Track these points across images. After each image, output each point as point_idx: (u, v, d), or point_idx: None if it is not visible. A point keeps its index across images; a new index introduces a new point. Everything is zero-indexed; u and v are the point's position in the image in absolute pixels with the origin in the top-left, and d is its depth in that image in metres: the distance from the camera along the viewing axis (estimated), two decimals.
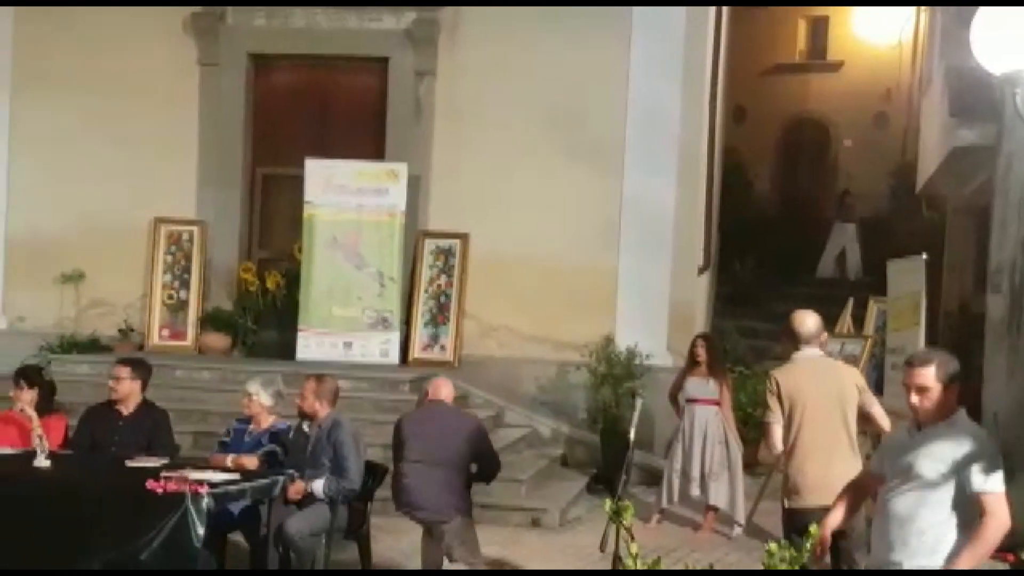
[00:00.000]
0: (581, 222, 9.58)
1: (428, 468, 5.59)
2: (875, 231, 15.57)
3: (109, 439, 6.02)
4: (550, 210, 9.59)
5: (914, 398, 3.64)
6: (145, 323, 9.96)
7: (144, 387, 6.19)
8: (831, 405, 4.82)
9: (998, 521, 3.49)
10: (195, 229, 10.08)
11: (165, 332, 9.96)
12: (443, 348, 9.66)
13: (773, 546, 3.31)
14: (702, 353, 7.62)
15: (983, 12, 4.69)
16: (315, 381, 5.87)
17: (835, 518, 3.98)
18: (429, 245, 9.84)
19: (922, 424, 3.68)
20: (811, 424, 4.80)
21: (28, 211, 10.24)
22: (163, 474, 5.07)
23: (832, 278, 15.35)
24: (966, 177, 10.87)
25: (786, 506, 4.91)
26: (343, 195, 9.59)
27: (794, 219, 17.19)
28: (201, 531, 4.79)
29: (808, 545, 3.40)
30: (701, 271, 10.48)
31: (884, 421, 4.93)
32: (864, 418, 4.91)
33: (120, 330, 9.92)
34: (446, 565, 5.72)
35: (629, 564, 3.28)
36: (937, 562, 3.53)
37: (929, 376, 3.61)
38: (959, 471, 3.53)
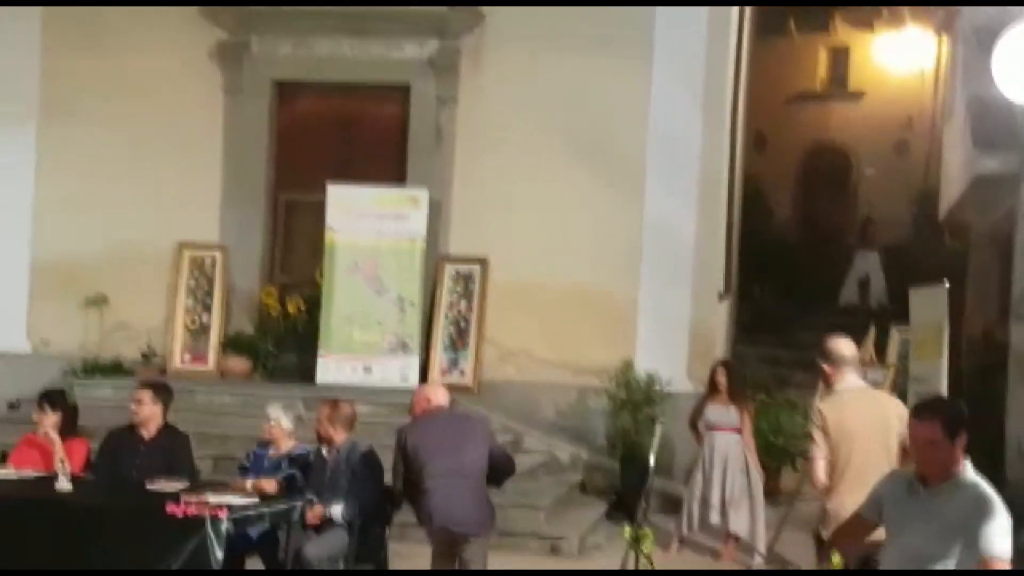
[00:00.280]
0: (601, 247, 9.59)
1: (459, 480, 5.43)
2: (897, 259, 15.48)
3: (130, 462, 6.05)
4: (570, 235, 9.60)
5: (919, 454, 3.47)
6: (167, 347, 10.02)
7: (166, 411, 6.23)
8: (877, 438, 4.66)
9: None
10: (218, 254, 10.16)
11: (187, 356, 10.02)
12: (462, 373, 9.67)
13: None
14: (723, 380, 7.59)
15: (1005, 42, 4.70)
16: (329, 407, 5.88)
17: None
18: (449, 270, 9.88)
19: (926, 479, 3.49)
20: (857, 458, 4.63)
21: (54, 236, 10.35)
22: (183, 498, 5.10)
23: (854, 305, 15.26)
24: (989, 205, 10.81)
25: (824, 538, 4.80)
26: (364, 221, 9.65)
27: (815, 246, 17.13)
28: (220, 555, 4.81)
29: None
30: (722, 297, 10.45)
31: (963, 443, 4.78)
32: (905, 451, 4.79)
33: (143, 354, 9.98)
34: None
35: None
36: None
37: (937, 430, 3.43)
38: (967, 534, 3.38)
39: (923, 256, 14.62)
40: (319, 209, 9.72)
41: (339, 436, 5.82)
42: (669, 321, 9.45)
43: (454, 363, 9.71)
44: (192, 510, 4.89)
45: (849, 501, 4.60)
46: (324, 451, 5.89)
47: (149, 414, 6.12)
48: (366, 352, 9.53)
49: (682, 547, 7.66)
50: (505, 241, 9.69)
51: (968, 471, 3.50)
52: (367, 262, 9.68)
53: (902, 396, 8.70)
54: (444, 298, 9.81)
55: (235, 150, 10.22)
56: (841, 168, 19.07)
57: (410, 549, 6.30)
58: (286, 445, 6.03)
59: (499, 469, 5.65)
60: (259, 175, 10.26)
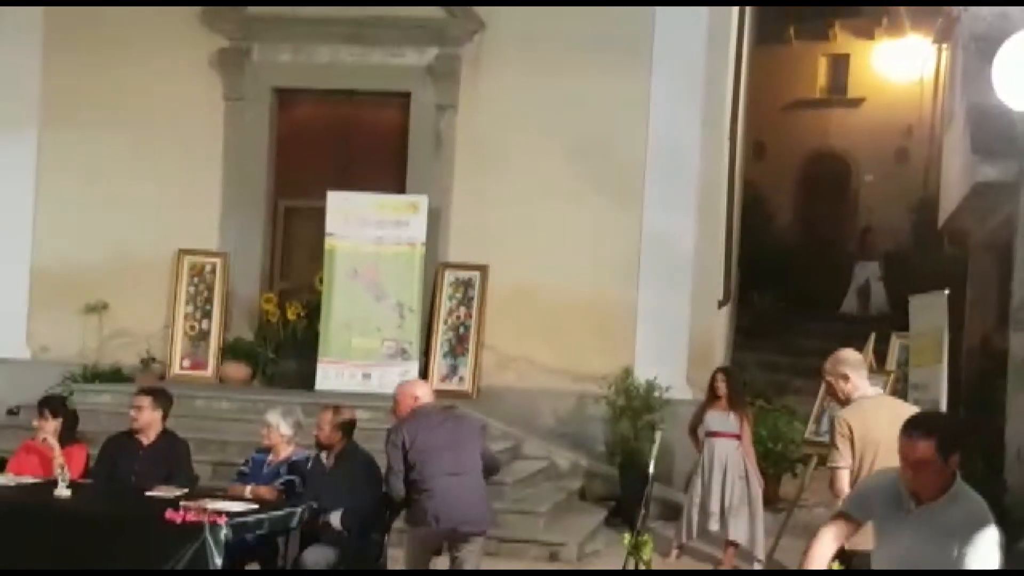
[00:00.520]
0: (601, 254, 9.59)
1: (464, 479, 5.41)
2: (897, 266, 15.52)
3: (129, 469, 6.04)
4: (569, 242, 9.62)
5: (910, 472, 3.36)
6: (167, 353, 10.02)
7: (165, 417, 6.22)
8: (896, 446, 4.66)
9: None
10: (218, 260, 10.17)
11: (186, 362, 10.02)
12: (462, 379, 9.67)
13: None
14: (722, 387, 7.58)
15: (1005, 50, 4.72)
16: (332, 412, 5.88)
17: (821, 557, 3.69)
18: (449, 276, 9.89)
19: (918, 497, 3.40)
20: (880, 466, 4.45)
21: (54, 242, 10.36)
22: (181, 504, 5.09)
23: (853, 314, 15.28)
24: (988, 213, 10.83)
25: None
26: (364, 227, 9.66)
27: (814, 253, 17.16)
28: (219, 561, 4.80)
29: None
30: (721, 304, 10.46)
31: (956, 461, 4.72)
32: None
33: (142, 360, 9.99)
34: None
35: None
36: None
37: (929, 451, 3.31)
38: (959, 550, 3.31)
39: (922, 263, 14.64)
40: (319, 216, 9.73)
41: (340, 442, 5.81)
42: (668, 328, 9.45)
43: (453, 369, 9.72)
44: (191, 516, 4.89)
45: None
46: (323, 457, 5.88)
47: (148, 420, 6.12)
48: (365, 358, 9.53)
49: (681, 554, 7.66)
50: (504, 247, 9.70)
51: (961, 487, 3.41)
52: (367, 268, 9.69)
53: None
54: (443, 304, 9.82)
55: (235, 157, 10.23)
56: (841, 175, 19.10)
57: None
58: (285, 451, 6.02)
59: (487, 468, 5.64)
60: (259, 182, 10.27)
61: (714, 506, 7.47)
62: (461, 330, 9.79)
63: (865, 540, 4.02)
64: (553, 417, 9.61)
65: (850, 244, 17.53)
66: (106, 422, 7.66)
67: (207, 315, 10.09)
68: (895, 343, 9.45)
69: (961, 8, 12.08)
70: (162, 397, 6.27)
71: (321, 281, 9.75)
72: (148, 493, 5.53)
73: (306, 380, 9.55)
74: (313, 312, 9.79)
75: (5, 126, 10.31)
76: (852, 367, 4.73)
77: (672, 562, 7.43)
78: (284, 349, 9.97)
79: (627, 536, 5.63)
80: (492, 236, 9.74)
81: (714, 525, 7.52)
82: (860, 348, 9.67)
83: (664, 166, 9.53)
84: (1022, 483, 8.18)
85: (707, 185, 9.71)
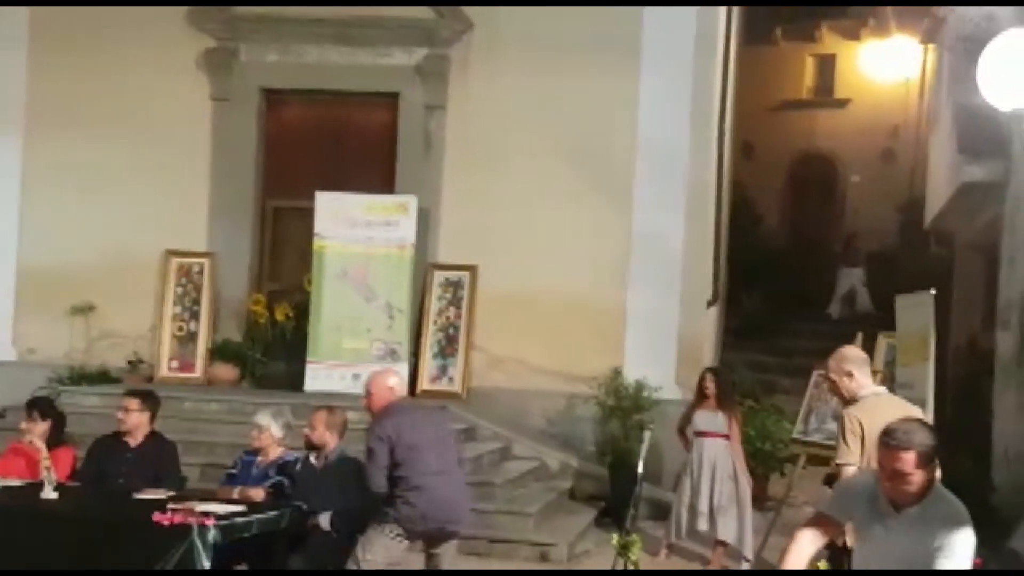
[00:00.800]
0: (590, 255, 9.60)
1: (448, 477, 5.37)
2: (883, 266, 15.58)
3: (116, 470, 6.02)
4: (559, 243, 9.62)
5: (888, 482, 3.39)
6: (155, 355, 9.98)
7: (153, 419, 6.21)
8: None
9: None
10: (205, 261, 10.13)
11: (174, 364, 9.98)
12: (451, 380, 9.66)
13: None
14: (711, 386, 7.60)
15: (991, 50, 4.74)
16: (326, 412, 5.86)
17: (800, 557, 3.68)
18: (438, 277, 9.88)
19: (896, 503, 3.42)
20: None
21: (40, 243, 10.31)
22: (170, 506, 5.07)
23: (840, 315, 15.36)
24: (974, 213, 10.89)
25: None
26: (353, 228, 9.64)
27: (802, 254, 17.23)
28: (207, 563, 4.78)
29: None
30: (710, 305, 10.48)
31: (936, 471, 4.70)
32: None
33: (129, 362, 9.94)
34: None
35: None
36: None
37: (909, 463, 3.35)
38: (934, 552, 3.35)
39: (909, 263, 14.72)
40: (307, 216, 9.71)
41: (332, 442, 5.80)
42: (658, 328, 9.47)
43: (443, 370, 9.71)
44: (179, 518, 4.87)
45: None
46: (313, 459, 5.87)
47: (136, 422, 6.10)
48: (355, 359, 9.50)
49: (670, 554, 7.67)
50: (494, 248, 9.70)
51: (939, 490, 3.44)
52: (356, 269, 9.67)
53: None
54: (433, 305, 9.81)
55: (223, 157, 10.20)
56: (828, 176, 19.17)
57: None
58: (274, 452, 6.01)
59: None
60: (247, 182, 10.24)
61: (703, 506, 7.48)
62: (451, 331, 9.78)
63: None
64: (543, 418, 9.62)
65: (836, 244, 17.60)
66: (93, 424, 7.62)
67: (195, 316, 10.06)
68: (882, 342, 9.49)
69: (947, 9, 12.13)
70: (150, 399, 6.25)
71: (310, 282, 9.72)
72: (136, 495, 5.51)
73: (295, 381, 9.53)
74: (302, 313, 9.76)
75: None
76: (856, 364, 4.71)
77: (661, 561, 7.44)
78: (273, 350, 9.94)
79: (615, 536, 5.64)
80: (482, 237, 9.74)
81: (703, 524, 7.53)
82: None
83: (653, 166, 9.54)
84: (1009, 482, 8.22)
85: (696, 186, 9.74)
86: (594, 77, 9.58)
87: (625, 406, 9.04)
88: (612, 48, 9.60)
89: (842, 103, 18.86)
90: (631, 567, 5.46)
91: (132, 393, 6.34)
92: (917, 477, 3.35)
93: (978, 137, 9.47)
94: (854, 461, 4.48)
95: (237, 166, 10.21)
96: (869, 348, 9.74)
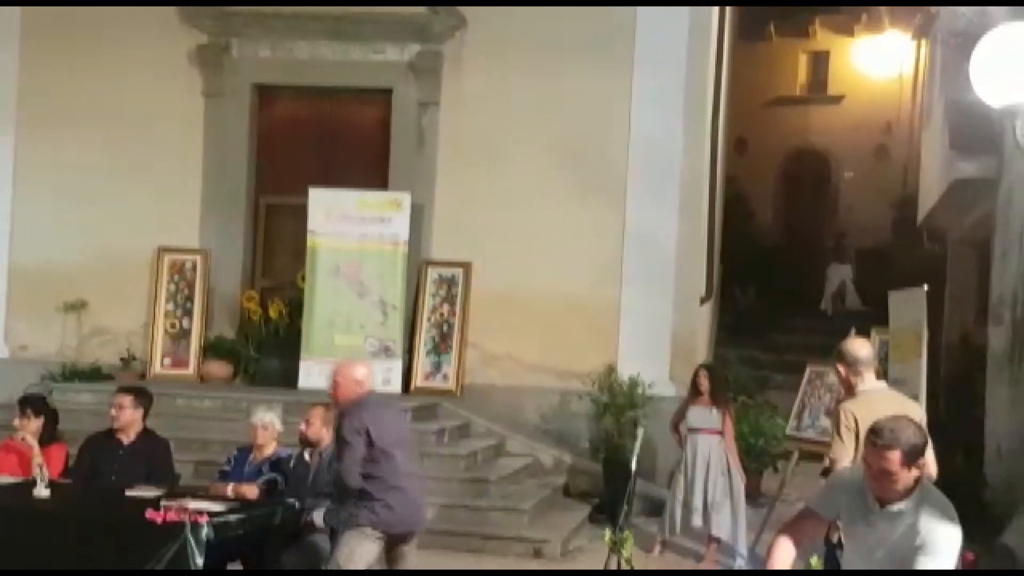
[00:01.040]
0: (584, 251, 9.60)
1: (418, 476, 5.30)
2: (876, 263, 15.62)
3: (109, 468, 6.01)
4: (553, 239, 9.61)
5: (874, 481, 3.39)
6: (147, 352, 9.96)
7: (145, 416, 6.18)
8: None
9: None
10: (198, 258, 10.11)
11: (167, 361, 9.96)
12: (445, 377, 9.66)
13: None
14: (705, 383, 7.61)
15: (983, 46, 4.74)
16: (323, 408, 5.83)
17: (784, 559, 3.64)
18: (432, 274, 9.87)
19: (881, 500, 3.42)
20: None
21: (32, 240, 10.27)
22: (162, 503, 5.06)
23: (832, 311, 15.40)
24: (967, 209, 10.91)
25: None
26: (346, 224, 9.63)
27: (795, 250, 17.27)
28: (200, 561, 4.77)
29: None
30: (703, 301, 10.50)
31: (932, 467, 4.54)
32: None
33: (122, 359, 9.92)
34: None
35: None
36: None
37: (895, 461, 3.34)
38: (918, 549, 3.35)
39: (902, 259, 14.76)
40: (301, 213, 9.68)
41: (328, 438, 5.78)
42: (651, 324, 9.47)
43: (437, 367, 9.70)
44: (172, 516, 4.86)
45: None
46: (307, 455, 5.86)
47: (129, 419, 6.08)
48: (348, 356, 9.42)
49: (664, 550, 7.67)
50: (488, 245, 9.69)
51: (926, 488, 3.44)
52: (349, 266, 9.65)
53: None
54: (427, 302, 9.80)
55: (215, 154, 10.17)
56: (821, 172, 19.21)
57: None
58: (268, 449, 5.99)
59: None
60: (240, 179, 10.21)
61: (697, 502, 7.49)
62: (445, 327, 9.77)
63: None
64: (537, 414, 9.62)
65: (829, 240, 17.64)
66: (86, 421, 7.60)
67: (188, 313, 10.03)
68: (875, 338, 9.50)
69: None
70: (143, 396, 6.23)
71: (303, 279, 9.70)
72: (128, 493, 5.49)
73: (289, 378, 9.51)
74: (295, 310, 9.75)
75: None
76: (859, 358, 4.70)
77: (655, 558, 7.45)
78: (266, 347, 9.92)
79: (608, 533, 5.64)
80: (475, 233, 9.73)
81: (697, 521, 7.54)
82: (839, 343, 9.78)
83: (647, 163, 9.54)
84: (1002, 478, 8.24)
85: (689, 182, 9.74)
86: (587, 74, 9.58)
87: (619, 403, 9.04)
88: (606, 45, 9.58)
89: (835, 99, 18.89)
90: (624, 564, 5.46)
91: (125, 390, 6.32)
92: (903, 476, 3.35)
93: (971, 133, 9.48)
94: (847, 457, 4.45)
95: (230, 162, 10.18)
96: None
